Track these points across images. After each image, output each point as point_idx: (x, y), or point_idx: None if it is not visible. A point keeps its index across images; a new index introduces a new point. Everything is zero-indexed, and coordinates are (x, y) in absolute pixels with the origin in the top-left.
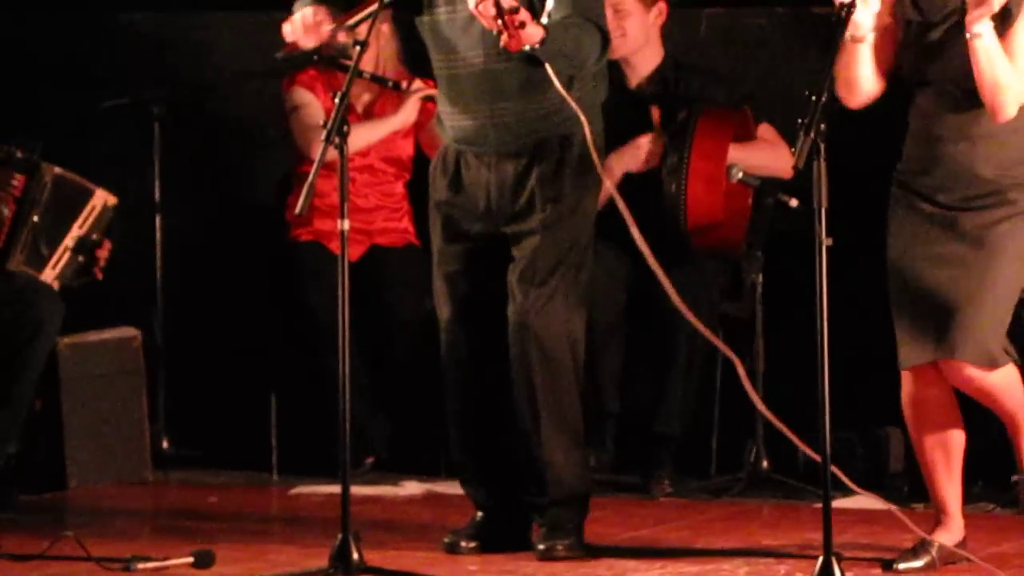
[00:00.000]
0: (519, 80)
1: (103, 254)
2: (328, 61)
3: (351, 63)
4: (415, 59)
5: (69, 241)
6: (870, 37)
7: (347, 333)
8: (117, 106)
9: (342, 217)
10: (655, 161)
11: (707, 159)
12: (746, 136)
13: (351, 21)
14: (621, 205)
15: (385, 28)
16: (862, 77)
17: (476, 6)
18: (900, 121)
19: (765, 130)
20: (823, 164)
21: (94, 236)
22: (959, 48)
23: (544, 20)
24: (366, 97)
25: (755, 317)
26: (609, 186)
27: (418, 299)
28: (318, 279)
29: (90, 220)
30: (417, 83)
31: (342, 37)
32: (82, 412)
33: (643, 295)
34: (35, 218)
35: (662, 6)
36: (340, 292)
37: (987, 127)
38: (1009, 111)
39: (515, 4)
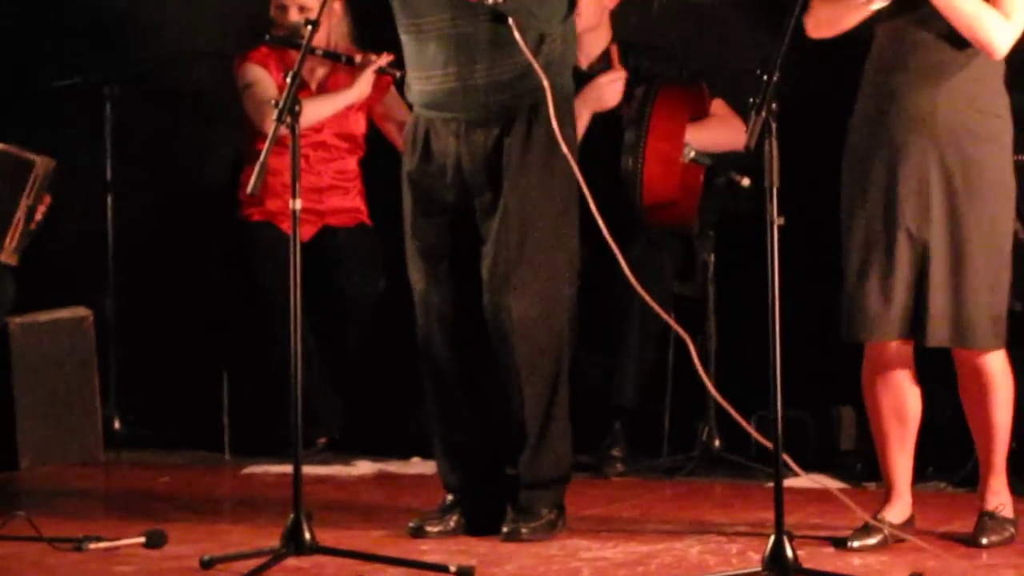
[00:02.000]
0: (487, 41)
1: (43, 208)
2: (280, 40)
3: (303, 40)
4: (366, 38)
5: (20, 215)
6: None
7: (298, 313)
8: (69, 85)
9: (294, 197)
10: (617, 99)
11: (665, 139)
12: (701, 113)
13: None
14: (578, 175)
15: (337, 6)
16: (848, 27)
17: None
18: (851, 92)
19: (718, 105)
20: (775, 143)
21: (36, 202)
22: None
23: None
24: (320, 73)
25: (707, 297)
26: (567, 154)
27: (370, 279)
28: (270, 259)
29: (35, 189)
30: (371, 56)
31: (294, 16)
32: (34, 392)
33: (596, 273)
34: None
35: None
36: (292, 272)
37: (952, 73)
38: (998, 45)
39: None
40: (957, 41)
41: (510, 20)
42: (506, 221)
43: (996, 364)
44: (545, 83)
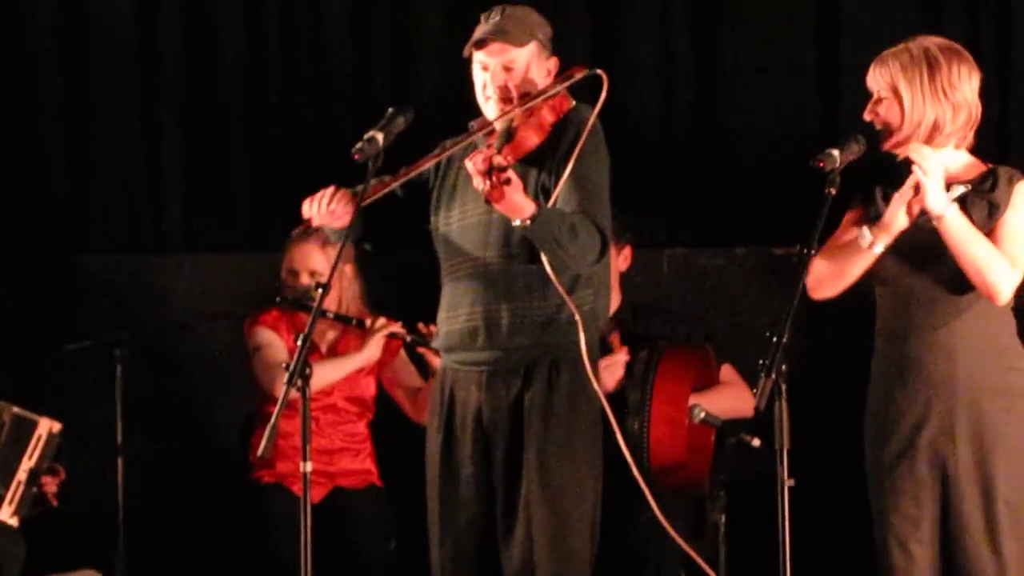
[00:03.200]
0: (518, 283)
1: (56, 480)
2: (291, 303)
3: (314, 304)
4: (377, 299)
5: (22, 475)
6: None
7: None
8: (79, 348)
9: (304, 459)
10: (614, 383)
11: (669, 402)
12: (707, 375)
13: (369, 200)
14: (611, 418)
15: (348, 269)
16: (854, 277)
17: (468, 159)
18: (866, 358)
19: (727, 371)
20: (785, 405)
21: (44, 466)
22: (936, 255)
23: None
24: (330, 336)
25: (718, 557)
26: (601, 395)
27: (381, 540)
28: (281, 521)
29: (38, 450)
30: (381, 320)
31: (305, 279)
32: None
33: (611, 531)
34: None
35: (628, 252)
36: (303, 535)
37: (967, 334)
38: (1003, 289)
39: (505, 165)
40: (965, 301)
41: (544, 260)
42: (531, 484)
43: None
44: (577, 317)
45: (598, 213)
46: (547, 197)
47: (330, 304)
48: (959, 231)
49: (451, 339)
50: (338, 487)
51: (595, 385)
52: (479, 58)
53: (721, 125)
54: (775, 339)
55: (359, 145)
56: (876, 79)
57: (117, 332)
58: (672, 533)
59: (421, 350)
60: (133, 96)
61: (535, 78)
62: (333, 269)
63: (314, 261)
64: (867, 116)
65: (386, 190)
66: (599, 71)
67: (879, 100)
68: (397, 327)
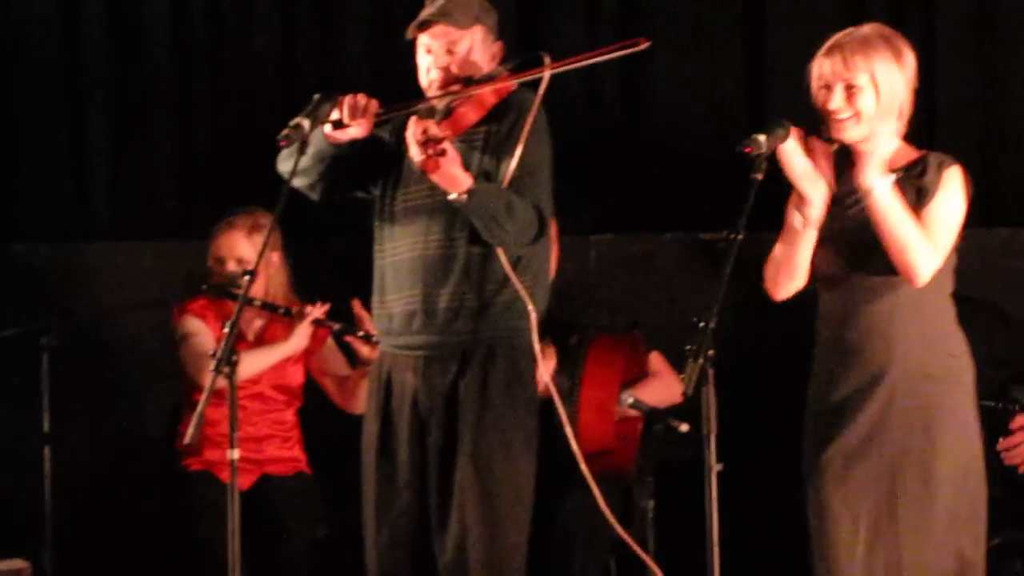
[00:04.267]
0: (458, 266)
1: None
2: (218, 291)
3: (241, 292)
4: (304, 288)
5: None
6: (816, 221)
7: (238, 564)
8: (5, 336)
9: (232, 446)
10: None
11: (599, 388)
12: (636, 362)
13: (397, 113)
14: (557, 402)
15: (275, 257)
16: (805, 262)
17: (407, 129)
18: (793, 343)
19: (655, 359)
20: (712, 390)
21: None
22: (873, 248)
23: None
24: (257, 324)
25: (647, 543)
26: (547, 379)
27: (310, 528)
28: (208, 509)
29: None
30: (308, 308)
31: (232, 267)
32: None
33: (538, 519)
34: None
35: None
36: (230, 521)
37: (905, 321)
38: (921, 272)
39: (441, 136)
40: (903, 290)
41: (498, 249)
42: (465, 471)
43: None
44: (529, 306)
45: (537, 195)
46: (488, 179)
47: (257, 292)
48: (887, 207)
49: (390, 323)
50: (266, 474)
51: (542, 366)
52: (423, 40)
53: (647, 110)
54: (702, 324)
55: (285, 132)
56: (848, 68)
57: (43, 320)
58: (612, 520)
59: (349, 338)
60: (59, 83)
61: (479, 61)
62: (260, 256)
63: (240, 248)
64: (834, 106)
65: (393, 114)
66: (544, 53)
67: (851, 88)
68: (322, 312)
